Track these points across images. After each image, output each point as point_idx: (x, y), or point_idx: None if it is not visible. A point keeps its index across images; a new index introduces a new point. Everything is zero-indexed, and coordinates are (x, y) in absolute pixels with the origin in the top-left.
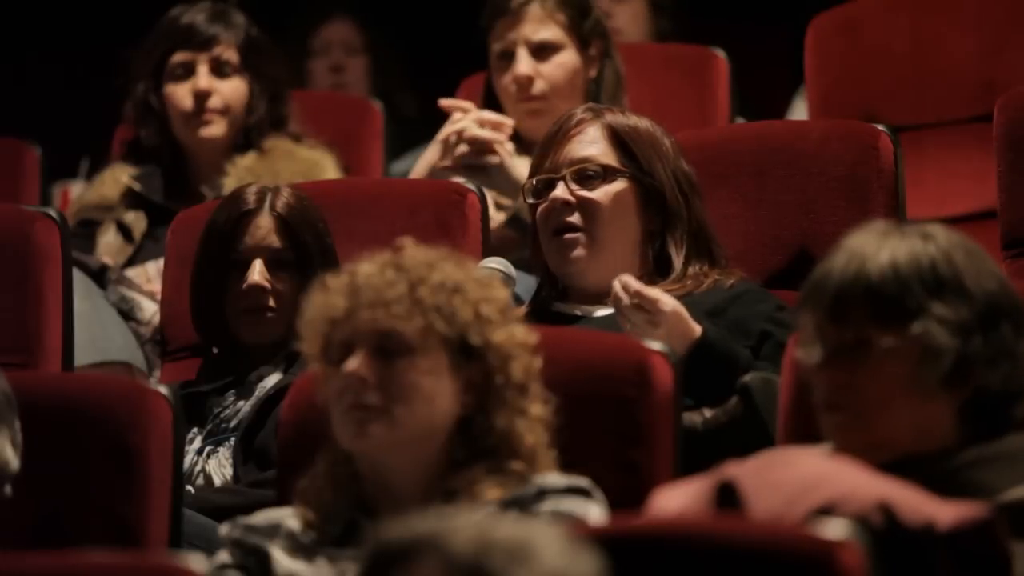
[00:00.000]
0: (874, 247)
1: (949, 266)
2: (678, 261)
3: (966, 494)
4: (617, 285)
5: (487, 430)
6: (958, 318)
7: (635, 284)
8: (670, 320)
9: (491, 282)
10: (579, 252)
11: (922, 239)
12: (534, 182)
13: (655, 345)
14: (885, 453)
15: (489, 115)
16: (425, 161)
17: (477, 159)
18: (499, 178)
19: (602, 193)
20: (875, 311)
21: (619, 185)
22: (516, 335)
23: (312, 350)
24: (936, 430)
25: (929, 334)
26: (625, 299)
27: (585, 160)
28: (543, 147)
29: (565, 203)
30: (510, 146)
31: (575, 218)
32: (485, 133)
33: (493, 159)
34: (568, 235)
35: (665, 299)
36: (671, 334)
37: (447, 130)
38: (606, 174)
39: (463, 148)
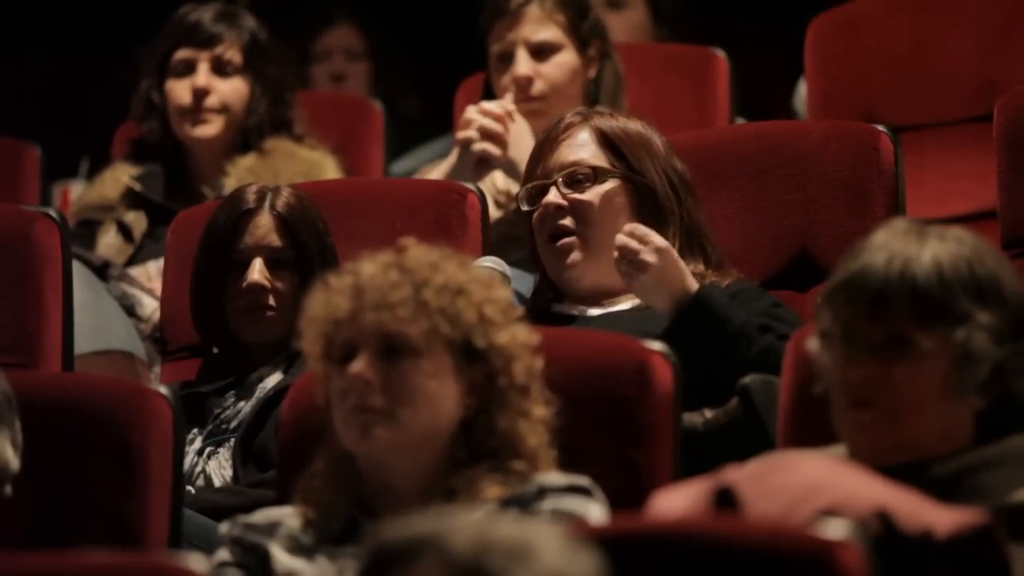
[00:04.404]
0: (915, 247)
1: (986, 271)
2: None
3: (969, 498)
4: (619, 234)
5: (490, 431)
6: (997, 325)
7: (632, 225)
8: (664, 257)
9: (493, 283)
10: (575, 257)
11: (956, 242)
12: (528, 189)
13: (655, 345)
14: (906, 454)
15: (490, 106)
16: (446, 164)
17: (486, 152)
18: (508, 168)
19: (593, 195)
20: (919, 312)
21: (610, 186)
22: (519, 336)
23: (313, 349)
24: (957, 434)
25: (972, 340)
26: (622, 238)
27: (575, 163)
28: (534, 154)
29: (557, 207)
30: (521, 124)
31: (568, 221)
32: (490, 123)
33: (495, 151)
34: (562, 241)
35: (658, 236)
36: (663, 272)
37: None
38: (596, 176)
39: (474, 135)
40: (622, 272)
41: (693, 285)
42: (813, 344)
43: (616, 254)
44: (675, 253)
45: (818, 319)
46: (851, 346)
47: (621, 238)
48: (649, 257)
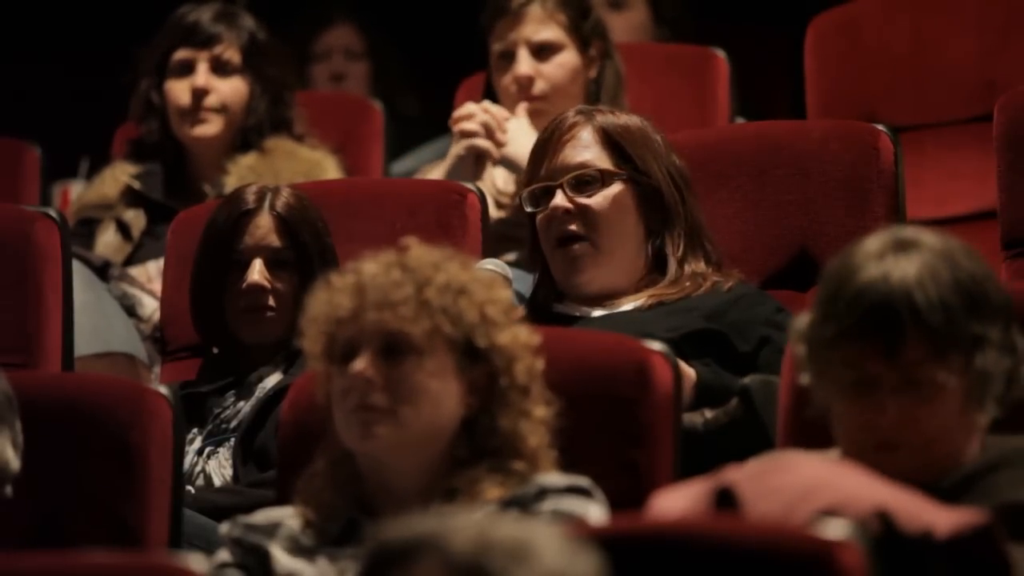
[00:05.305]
0: (913, 276)
1: (968, 276)
2: (673, 259)
3: (972, 499)
4: None
5: (491, 431)
6: (1001, 338)
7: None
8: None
9: (495, 283)
10: (585, 262)
11: (936, 256)
12: (532, 190)
13: (655, 345)
14: (930, 474)
15: (494, 109)
16: (448, 161)
17: (485, 149)
18: (509, 164)
19: (601, 199)
20: (936, 348)
21: (617, 188)
22: (520, 337)
23: (314, 349)
24: (975, 444)
25: (988, 361)
26: None
27: (582, 166)
28: (537, 153)
29: (566, 211)
30: (521, 121)
31: (576, 226)
32: (491, 121)
33: (494, 151)
34: (573, 247)
35: (686, 369)
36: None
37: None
38: (604, 178)
39: (472, 126)
40: None
41: (692, 373)
42: (805, 378)
43: None
44: (692, 377)
45: (814, 355)
46: (870, 391)
47: None
48: None
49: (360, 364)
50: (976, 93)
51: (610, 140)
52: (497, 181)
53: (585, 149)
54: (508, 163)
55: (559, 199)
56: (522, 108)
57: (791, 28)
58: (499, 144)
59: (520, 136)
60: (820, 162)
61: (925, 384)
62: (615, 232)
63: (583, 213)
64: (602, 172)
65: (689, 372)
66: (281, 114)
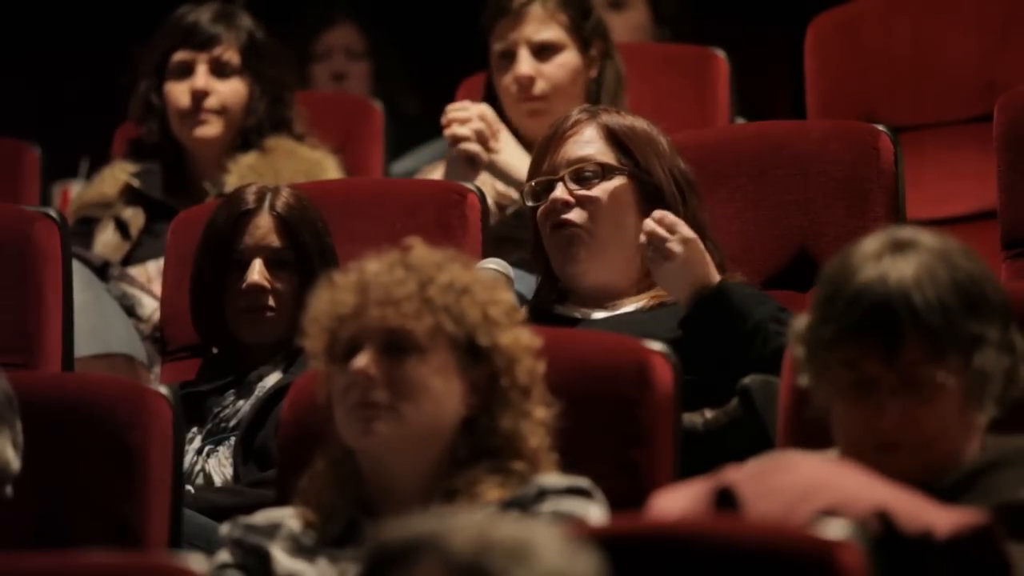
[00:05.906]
0: (911, 276)
1: (975, 285)
2: None
3: (973, 498)
4: (649, 220)
5: (491, 431)
6: (1000, 338)
7: (661, 212)
8: (690, 247)
9: (497, 285)
10: (580, 250)
11: (935, 257)
12: (533, 185)
13: (655, 345)
14: (931, 474)
15: (491, 115)
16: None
17: (476, 154)
18: (497, 172)
19: (600, 191)
20: (934, 349)
21: (617, 183)
22: (522, 338)
23: (316, 347)
24: (975, 443)
25: (986, 361)
26: (650, 224)
27: (583, 160)
28: (540, 149)
29: (565, 203)
30: (505, 132)
31: (575, 216)
32: (482, 127)
33: (483, 156)
34: (568, 229)
35: (685, 226)
36: (688, 262)
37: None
38: (604, 173)
39: (465, 131)
40: (647, 258)
41: (715, 277)
42: (804, 380)
43: (643, 238)
44: (701, 245)
45: (813, 356)
46: (869, 392)
47: (650, 224)
48: (676, 247)
49: (362, 360)
50: (976, 93)
51: (613, 137)
52: (497, 183)
53: (588, 144)
54: (495, 170)
55: (559, 191)
56: (504, 132)
57: (791, 28)
58: (491, 152)
59: (507, 146)
60: (820, 162)
61: (924, 384)
62: (612, 224)
63: (582, 204)
64: (602, 166)
65: (713, 276)
66: (281, 114)
